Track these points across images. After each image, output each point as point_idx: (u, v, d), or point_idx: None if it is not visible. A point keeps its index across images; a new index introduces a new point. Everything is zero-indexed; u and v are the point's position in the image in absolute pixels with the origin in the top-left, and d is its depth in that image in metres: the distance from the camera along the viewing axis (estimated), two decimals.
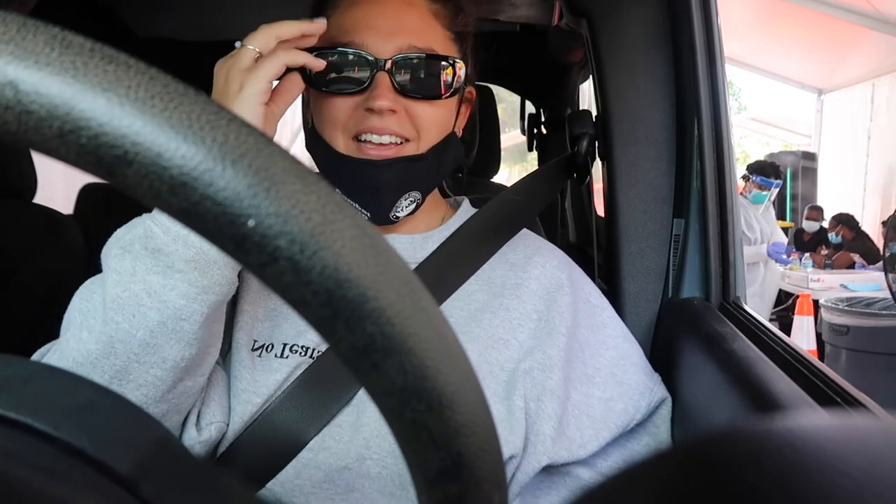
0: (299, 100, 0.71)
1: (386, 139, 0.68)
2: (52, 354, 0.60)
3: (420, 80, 0.69)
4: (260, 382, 0.66)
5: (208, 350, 0.62)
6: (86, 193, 1.58)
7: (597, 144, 0.98)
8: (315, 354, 0.67)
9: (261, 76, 0.59)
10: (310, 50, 0.65)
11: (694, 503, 0.16)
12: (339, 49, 0.67)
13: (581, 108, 1.79)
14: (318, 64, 0.64)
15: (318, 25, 0.63)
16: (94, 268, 0.60)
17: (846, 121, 6.81)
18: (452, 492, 0.23)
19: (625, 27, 0.94)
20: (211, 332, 0.61)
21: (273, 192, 0.19)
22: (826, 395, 0.57)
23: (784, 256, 4.32)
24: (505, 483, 0.25)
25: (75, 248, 1.25)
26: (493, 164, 1.66)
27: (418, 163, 0.70)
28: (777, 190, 4.21)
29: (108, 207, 1.54)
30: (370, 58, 0.67)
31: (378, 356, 0.20)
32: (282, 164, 0.19)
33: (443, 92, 0.70)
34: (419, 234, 0.76)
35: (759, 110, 11.57)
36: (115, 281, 0.57)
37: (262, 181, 0.19)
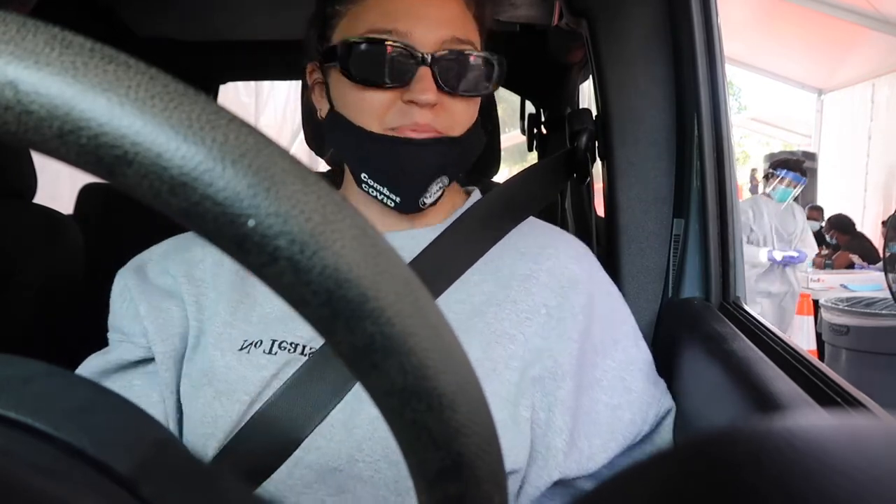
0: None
1: (424, 135, 0.67)
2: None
3: (463, 76, 0.67)
4: (248, 379, 0.64)
5: None
6: (86, 193, 1.58)
7: (596, 144, 0.98)
8: (308, 352, 0.65)
9: None
10: (350, 38, 0.64)
11: (694, 503, 0.16)
12: (382, 39, 0.65)
13: (581, 107, 1.79)
14: None
15: None
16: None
17: (846, 121, 6.80)
18: (452, 492, 0.23)
19: (625, 27, 0.94)
20: None
21: (273, 192, 0.19)
22: (826, 395, 0.57)
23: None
24: (505, 483, 0.25)
25: (75, 248, 1.25)
26: (494, 163, 1.66)
27: (454, 145, 0.69)
28: (802, 187, 4.10)
29: (108, 207, 1.54)
30: (414, 51, 0.65)
31: (378, 356, 0.20)
32: (282, 164, 0.19)
33: (483, 90, 0.69)
34: (430, 226, 0.74)
35: (759, 110, 11.55)
36: None
37: (262, 181, 0.19)
